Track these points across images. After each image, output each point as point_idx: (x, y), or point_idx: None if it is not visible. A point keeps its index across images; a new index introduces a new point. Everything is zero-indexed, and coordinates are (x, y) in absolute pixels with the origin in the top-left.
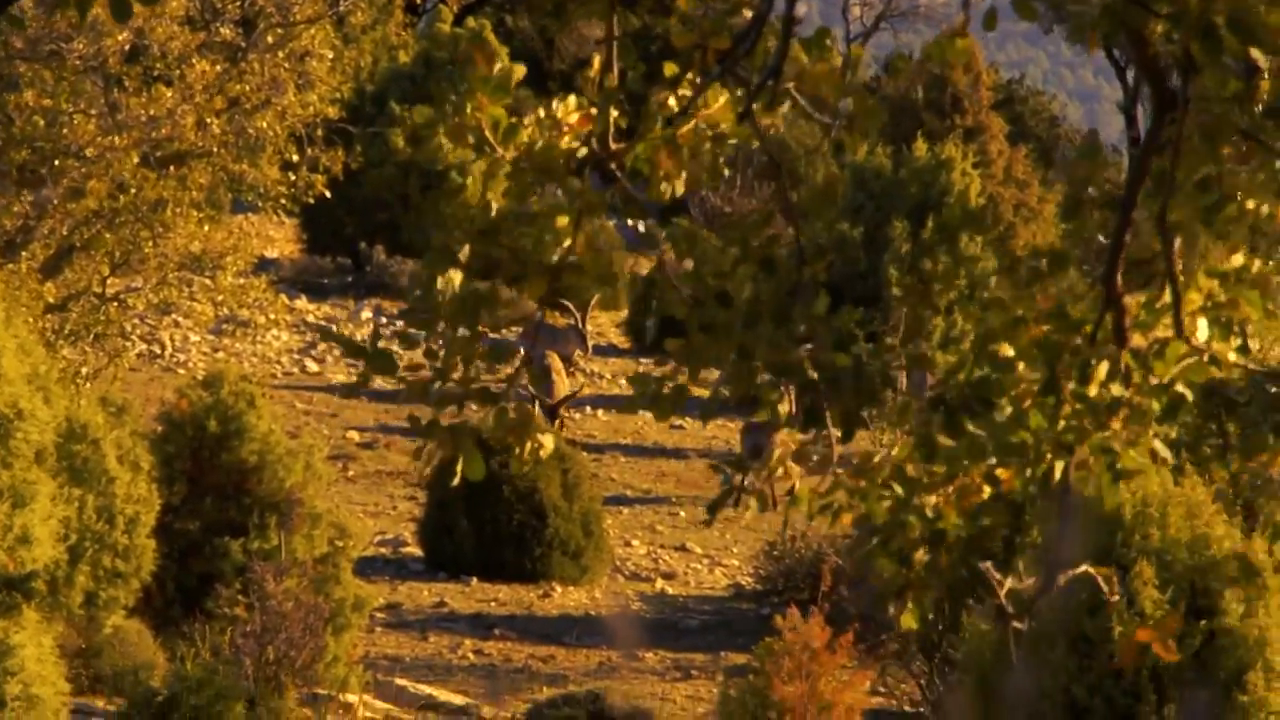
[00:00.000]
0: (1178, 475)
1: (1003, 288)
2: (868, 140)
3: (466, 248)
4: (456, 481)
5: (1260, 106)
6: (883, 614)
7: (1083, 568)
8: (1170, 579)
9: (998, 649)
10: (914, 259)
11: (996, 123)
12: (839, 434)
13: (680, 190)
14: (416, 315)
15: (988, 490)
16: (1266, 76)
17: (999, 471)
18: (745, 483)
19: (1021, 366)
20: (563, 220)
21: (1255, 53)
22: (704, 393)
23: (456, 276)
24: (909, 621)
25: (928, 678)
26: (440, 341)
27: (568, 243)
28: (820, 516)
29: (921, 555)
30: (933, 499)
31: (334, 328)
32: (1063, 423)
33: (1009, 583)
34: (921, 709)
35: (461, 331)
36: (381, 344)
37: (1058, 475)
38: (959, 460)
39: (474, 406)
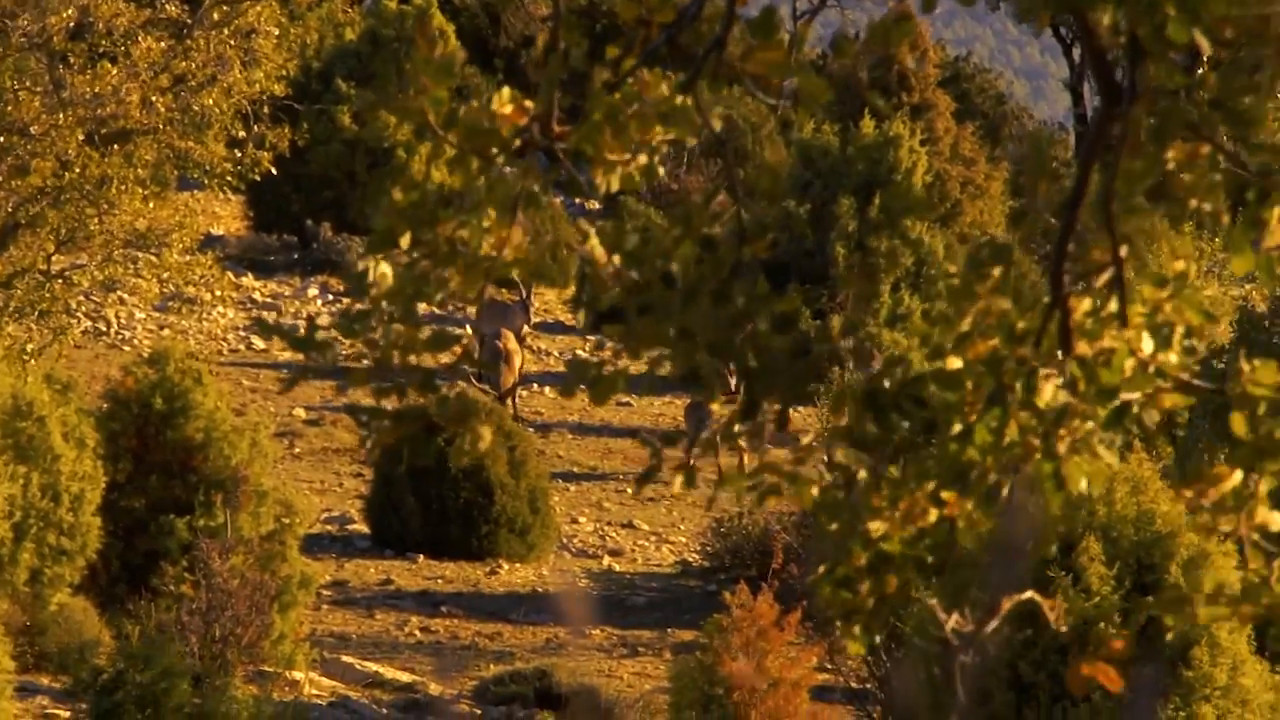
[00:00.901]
0: (1124, 452)
1: (943, 287)
2: (813, 118)
3: (408, 235)
4: (404, 468)
5: (1208, 98)
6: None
7: (1028, 594)
8: (1116, 555)
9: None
10: (861, 237)
11: (943, 100)
12: (773, 414)
13: (615, 185)
14: (354, 306)
15: (934, 513)
16: (1212, 66)
17: (944, 494)
18: (688, 458)
19: (967, 380)
20: (496, 215)
21: (1201, 39)
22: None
23: (388, 269)
24: (855, 648)
25: (874, 654)
26: (380, 331)
27: (505, 235)
28: (747, 497)
29: (867, 585)
30: (877, 524)
31: (280, 306)
32: (1009, 438)
33: (954, 619)
34: (868, 685)
35: (397, 323)
36: (320, 334)
37: (1005, 493)
38: (904, 484)
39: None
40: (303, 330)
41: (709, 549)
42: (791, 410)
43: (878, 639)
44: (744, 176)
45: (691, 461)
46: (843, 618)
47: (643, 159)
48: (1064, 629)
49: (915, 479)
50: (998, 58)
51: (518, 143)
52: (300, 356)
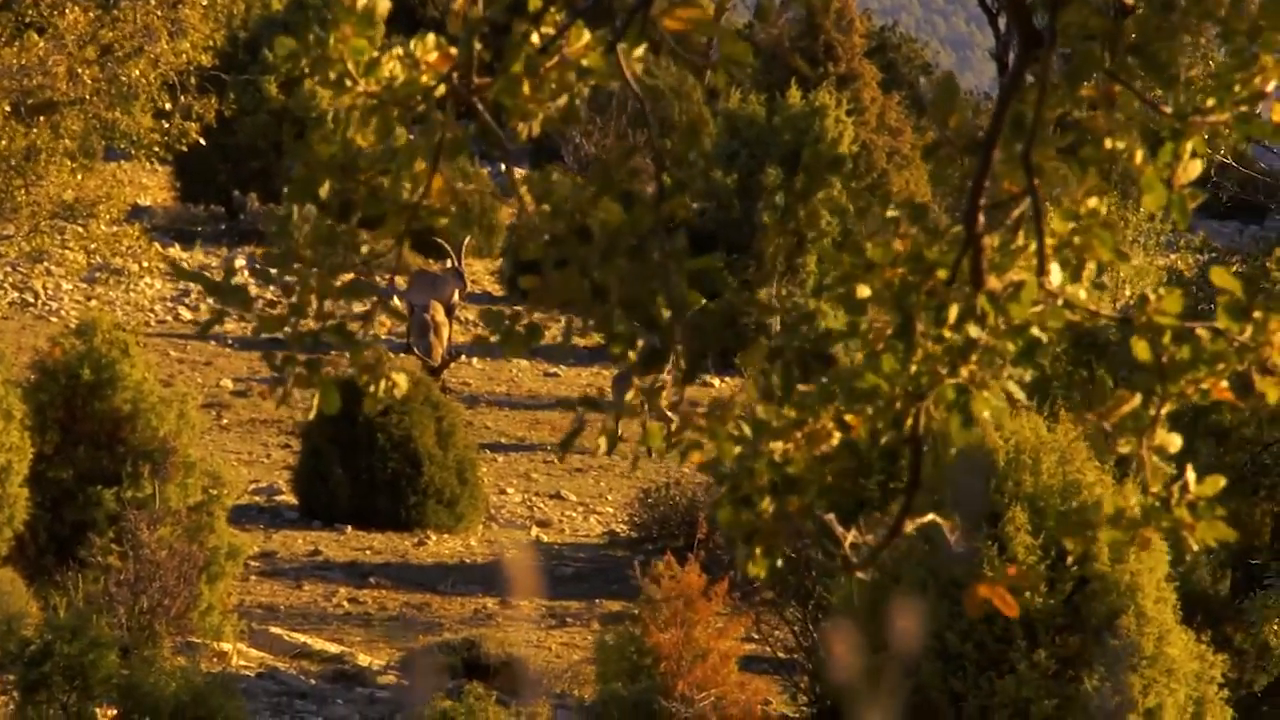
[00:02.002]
0: (1050, 422)
1: (860, 230)
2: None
3: (327, 184)
4: (313, 415)
5: (1125, 44)
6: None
7: (930, 517)
8: (1042, 525)
9: (871, 596)
10: (787, 206)
11: (869, 70)
12: (682, 373)
13: (537, 130)
14: (274, 251)
15: (837, 436)
16: (1132, 13)
17: (848, 417)
18: (616, 426)
19: (873, 310)
20: (420, 162)
21: None
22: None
23: (312, 211)
24: (756, 570)
25: (801, 624)
26: (297, 278)
27: (425, 182)
28: (671, 454)
29: (768, 503)
30: (781, 445)
31: (207, 274)
32: (915, 367)
33: (852, 534)
34: (795, 655)
35: (317, 269)
36: (239, 280)
37: (909, 421)
38: (809, 406)
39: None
40: (220, 275)
41: (636, 519)
42: (720, 380)
43: (807, 608)
44: (668, 144)
45: (609, 427)
46: (743, 539)
47: (563, 100)
48: (961, 547)
49: (819, 401)
50: (924, 27)
51: (442, 89)
52: (209, 310)
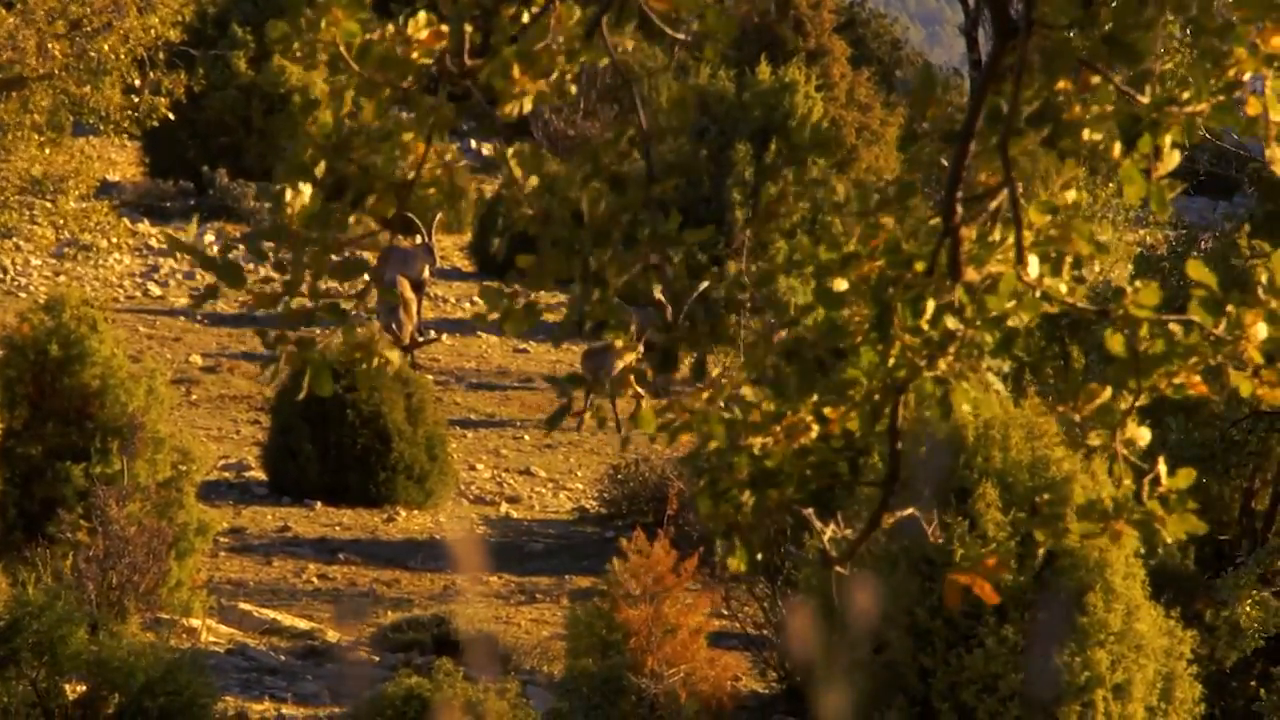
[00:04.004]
0: (1019, 398)
1: (839, 220)
2: (714, 60)
3: (322, 164)
4: (303, 396)
5: (1100, 33)
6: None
7: (909, 511)
8: (1012, 501)
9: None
10: (757, 182)
11: (839, 46)
12: (688, 363)
13: (528, 107)
14: (267, 229)
15: (816, 429)
16: (1107, 3)
17: (826, 410)
18: (588, 401)
19: (851, 303)
20: (412, 137)
21: None
22: (554, 316)
23: (307, 189)
24: (736, 564)
25: (770, 600)
26: (290, 255)
27: (418, 160)
28: (661, 437)
29: (748, 496)
30: (759, 439)
31: (174, 251)
32: (893, 360)
33: (830, 529)
34: (764, 631)
35: (311, 247)
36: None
37: (886, 413)
38: (787, 398)
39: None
40: (215, 250)
41: (606, 496)
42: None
43: (776, 584)
44: (648, 118)
45: (592, 404)
46: (723, 533)
47: (554, 76)
48: (939, 540)
49: (799, 395)
50: (893, 3)
51: (432, 67)
52: (205, 286)
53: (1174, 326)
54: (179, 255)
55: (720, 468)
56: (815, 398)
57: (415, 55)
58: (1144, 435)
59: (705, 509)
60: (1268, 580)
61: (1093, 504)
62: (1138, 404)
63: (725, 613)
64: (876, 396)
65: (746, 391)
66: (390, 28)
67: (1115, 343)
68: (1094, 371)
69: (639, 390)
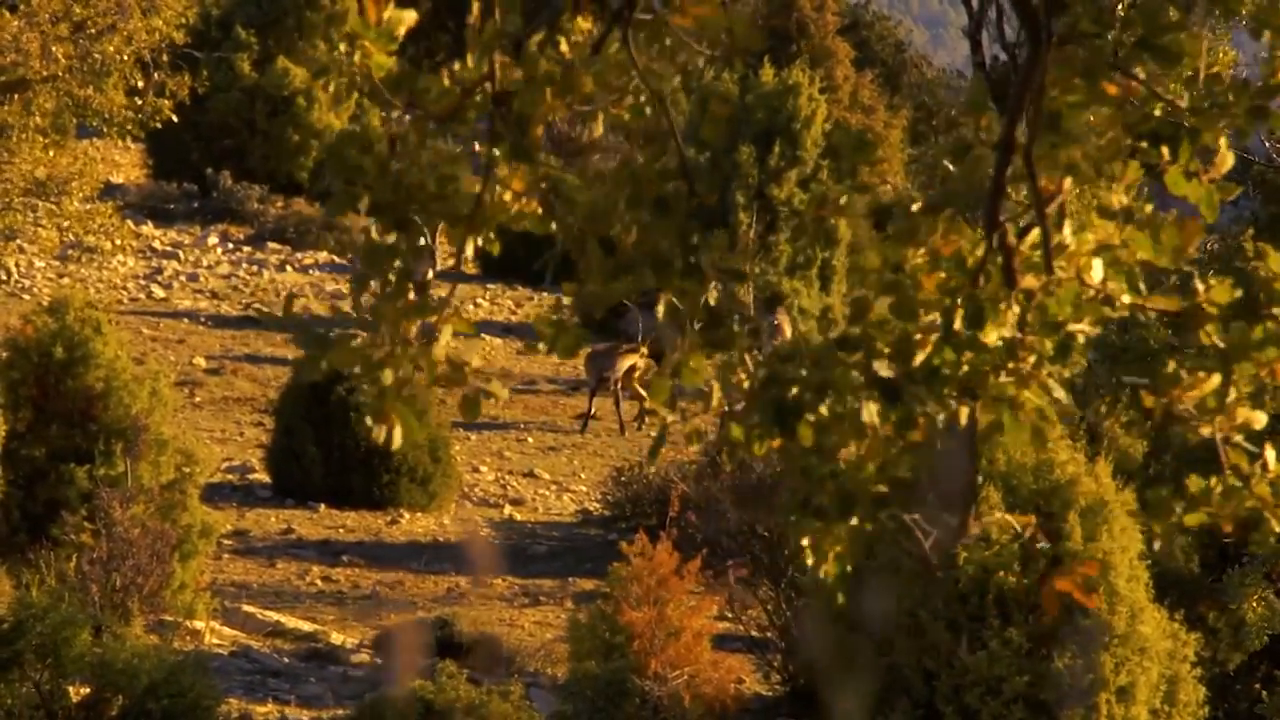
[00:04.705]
0: None
1: (874, 247)
2: (714, 62)
3: (366, 198)
4: (398, 445)
5: (1134, 37)
6: (729, 540)
7: (997, 515)
8: (1016, 503)
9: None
10: (761, 185)
11: (842, 48)
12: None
13: (598, 132)
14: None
15: (903, 439)
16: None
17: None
18: (590, 409)
19: (922, 315)
20: (467, 176)
21: None
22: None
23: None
24: (830, 571)
25: (774, 603)
26: (369, 299)
27: (474, 193)
28: (679, 438)
29: (838, 515)
30: (847, 452)
31: (180, 254)
32: (965, 367)
33: (931, 539)
34: (768, 634)
35: (389, 289)
36: (299, 304)
37: (963, 420)
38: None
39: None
40: (283, 310)
41: (609, 498)
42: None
43: (780, 586)
44: (678, 140)
45: (594, 411)
46: (813, 548)
47: (629, 100)
48: (1042, 544)
49: (766, 435)
50: (896, 5)
51: (482, 106)
52: (302, 363)
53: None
54: (182, 258)
55: (811, 485)
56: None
57: (472, 103)
58: (1260, 418)
59: (795, 525)
60: (1272, 579)
61: (1203, 492)
62: (1243, 391)
63: (729, 615)
64: (952, 403)
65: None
66: (444, 74)
67: (1204, 334)
68: (1094, 384)
69: (642, 392)
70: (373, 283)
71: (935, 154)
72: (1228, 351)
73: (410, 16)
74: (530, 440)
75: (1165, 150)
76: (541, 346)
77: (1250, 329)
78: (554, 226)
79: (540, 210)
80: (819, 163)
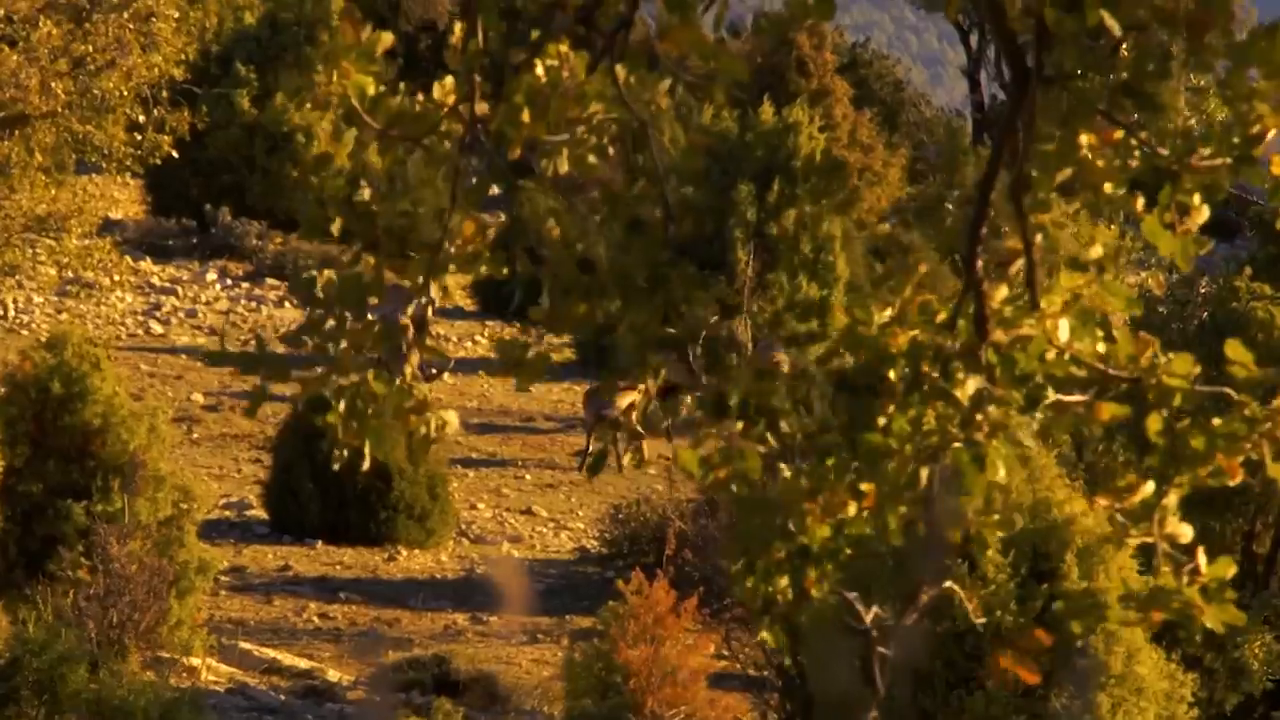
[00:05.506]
0: None
1: (868, 288)
2: (713, 100)
3: (338, 221)
4: (366, 468)
5: (1118, 82)
6: (726, 579)
7: (947, 584)
8: (1012, 543)
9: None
10: (760, 223)
11: (841, 86)
12: (705, 400)
13: (564, 168)
14: (310, 312)
15: (853, 506)
16: (1116, 50)
17: (863, 485)
18: (589, 444)
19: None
20: (441, 199)
21: (1110, 22)
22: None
23: (333, 275)
24: (772, 639)
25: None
26: (331, 331)
27: (447, 221)
28: (693, 475)
29: (785, 581)
30: (798, 518)
31: (179, 290)
32: (928, 425)
33: (872, 612)
34: (765, 673)
35: (350, 320)
36: (269, 338)
37: (923, 482)
38: (824, 477)
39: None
40: (253, 345)
41: (607, 535)
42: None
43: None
44: (643, 162)
45: (591, 446)
46: (761, 611)
47: (594, 139)
48: (980, 620)
49: (835, 472)
50: (895, 44)
51: (456, 127)
52: (254, 390)
53: (1216, 421)
54: (180, 294)
55: (759, 548)
56: (851, 475)
57: (445, 123)
58: (1186, 532)
59: (743, 589)
60: (1269, 623)
61: (1130, 595)
62: (1174, 499)
63: (726, 653)
64: (910, 466)
65: (784, 473)
66: (420, 96)
67: (1154, 426)
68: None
69: (639, 431)
70: (333, 313)
71: (919, 202)
72: (1167, 458)
73: (388, 38)
74: (528, 477)
75: (1140, 199)
76: (505, 369)
77: (1193, 433)
78: (510, 269)
79: (489, 253)
80: (806, 190)
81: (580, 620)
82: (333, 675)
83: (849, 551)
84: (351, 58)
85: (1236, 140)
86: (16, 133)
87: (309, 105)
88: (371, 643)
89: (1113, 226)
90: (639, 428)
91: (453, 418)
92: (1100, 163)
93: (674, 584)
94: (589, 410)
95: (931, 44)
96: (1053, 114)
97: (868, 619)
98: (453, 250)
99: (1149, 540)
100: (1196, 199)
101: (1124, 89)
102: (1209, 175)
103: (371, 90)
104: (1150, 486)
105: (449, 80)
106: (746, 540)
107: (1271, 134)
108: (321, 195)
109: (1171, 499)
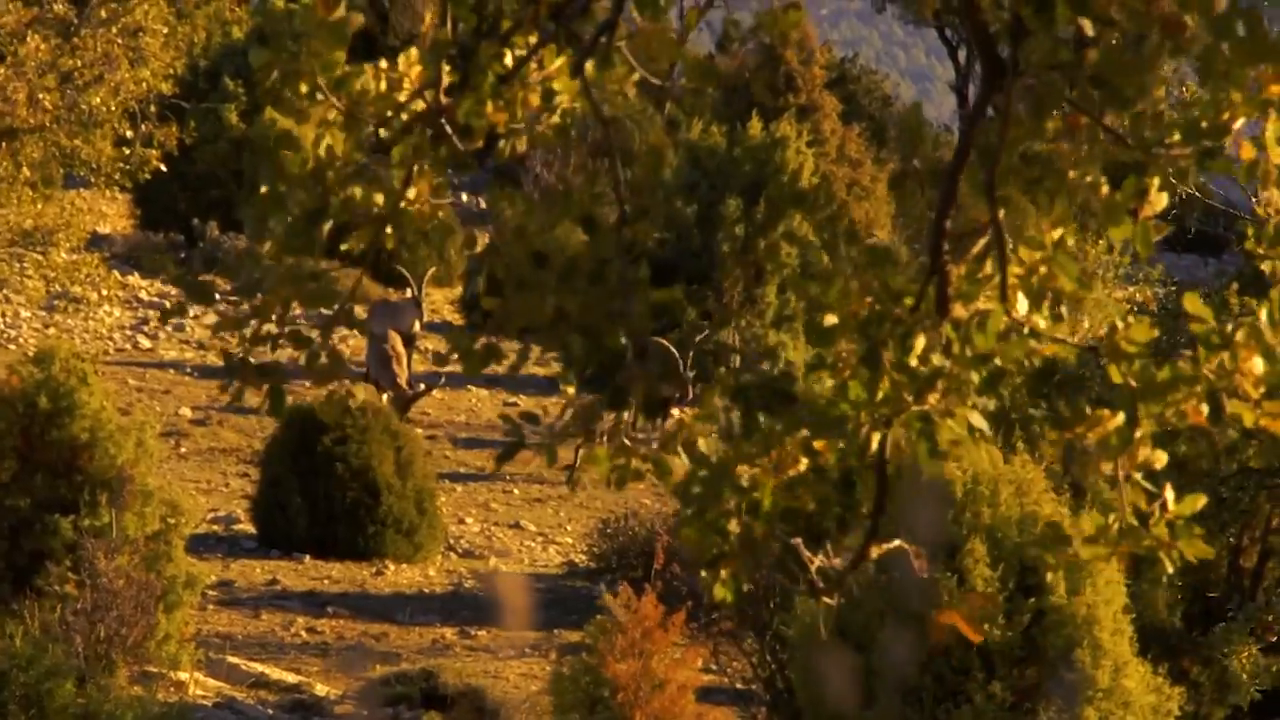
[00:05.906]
0: (1008, 453)
1: (826, 264)
2: (698, 112)
3: (299, 193)
4: (267, 411)
5: (1088, 75)
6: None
7: (895, 543)
8: (1000, 556)
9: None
10: (748, 237)
11: (830, 102)
12: (638, 404)
13: (521, 147)
14: (242, 253)
15: (805, 463)
16: (1089, 43)
17: (815, 443)
18: (553, 443)
19: (841, 339)
20: (396, 172)
21: (1084, 21)
22: (545, 370)
23: (277, 224)
24: (721, 593)
25: (759, 655)
26: (264, 276)
27: (399, 194)
28: (612, 480)
29: (735, 526)
30: (748, 470)
31: (165, 304)
32: (881, 394)
33: (819, 559)
34: (753, 686)
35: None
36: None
37: (874, 448)
38: (776, 433)
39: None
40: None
41: (595, 549)
42: (681, 410)
43: (765, 639)
44: (630, 171)
45: (565, 448)
46: (708, 564)
47: (554, 119)
48: (925, 575)
49: (787, 429)
50: (884, 60)
51: (419, 104)
52: (170, 302)
53: (1181, 364)
54: (169, 307)
55: (708, 498)
56: (804, 432)
57: (403, 95)
58: (1160, 457)
59: (691, 539)
60: (1256, 635)
61: (1101, 529)
62: (1145, 431)
63: (714, 667)
64: (864, 431)
65: (702, 444)
66: (381, 63)
67: (1114, 372)
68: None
69: (629, 445)
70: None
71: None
72: (1135, 390)
73: (359, 19)
74: (516, 492)
75: (1104, 187)
76: (454, 358)
77: (1159, 369)
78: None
79: (443, 216)
80: (807, 217)
81: (568, 634)
82: (320, 689)
83: (798, 504)
84: (323, 34)
85: (1205, 125)
86: (4, 147)
87: (275, 80)
88: (359, 657)
89: (1101, 243)
90: (629, 443)
91: (360, 392)
92: (1066, 147)
93: (662, 598)
94: (578, 424)
95: (920, 59)
96: (1025, 103)
97: (814, 566)
98: (403, 215)
99: (1118, 472)
100: (1155, 185)
101: (1092, 80)
102: (1174, 164)
103: (340, 68)
104: (1120, 417)
105: (413, 52)
106: (698, 498)
107: (1239, 123)
108: (284, 173)
109: (1144, 428)
